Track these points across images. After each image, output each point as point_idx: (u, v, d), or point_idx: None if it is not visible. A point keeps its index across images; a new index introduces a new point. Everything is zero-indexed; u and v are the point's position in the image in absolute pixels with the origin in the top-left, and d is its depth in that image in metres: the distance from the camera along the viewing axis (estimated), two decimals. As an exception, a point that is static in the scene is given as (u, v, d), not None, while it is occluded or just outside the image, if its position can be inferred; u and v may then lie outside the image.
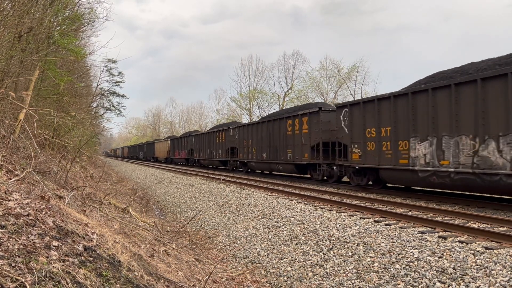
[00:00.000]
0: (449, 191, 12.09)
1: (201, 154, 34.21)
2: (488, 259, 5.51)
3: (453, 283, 5.14)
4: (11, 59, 10.50)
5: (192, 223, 12.16)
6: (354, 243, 7.30)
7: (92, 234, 4.33)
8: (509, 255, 5.52)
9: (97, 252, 3.87)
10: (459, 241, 6.46)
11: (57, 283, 2.88)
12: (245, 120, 54.98)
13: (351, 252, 7.02)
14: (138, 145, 75.19)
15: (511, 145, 8.74)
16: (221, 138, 29.11)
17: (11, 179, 5.71)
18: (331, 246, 7.52)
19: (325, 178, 16.88)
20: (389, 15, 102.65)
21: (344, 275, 6.38)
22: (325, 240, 7.88)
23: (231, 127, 27.70)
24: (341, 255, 7.04)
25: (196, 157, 35.80)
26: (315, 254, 7.45)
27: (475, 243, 6.29)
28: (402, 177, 12.10)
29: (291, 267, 7.33)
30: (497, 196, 10.87)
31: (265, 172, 24.80)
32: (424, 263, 5.85)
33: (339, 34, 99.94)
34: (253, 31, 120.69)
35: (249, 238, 9.56)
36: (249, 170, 25.16)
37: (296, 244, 8.23)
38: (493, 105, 9.21)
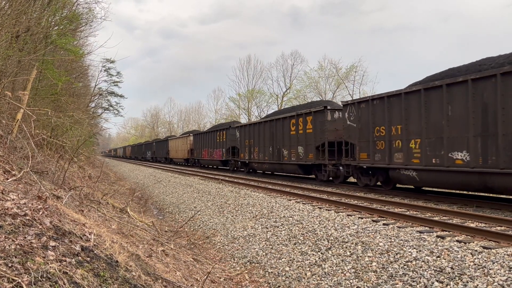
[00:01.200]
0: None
1: (255, 154, 22.20)
2: (486, 259, 5.52)
3: (451, 283, 5.14)
4: (9, 58, 10.48)
5: (190, 223, 12.15)
6: (352, 243, 7.30)
7: (89, 234, 4.32)
8: (507, 255, 5.53)
9: (95, 252, 3.86)
10: (457, 241, 6.46)
11: (54, 283, 2.87)
12: (243, 120, 54.44)
13: (349, 251, 7.02)
14: (145, 143, 65.13)
15: None
16: (302, 128, 17.15)
17: (8, 179, 5.69)
18: (329, 246, 7.52)
19: None
20: (388, 15, 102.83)
21: (343, 274, 6.38)
22: (324, 240, 7.88)
23: (329, 107, 15.84)
24: (339, 255, 7.03)
25: (244, 158, 23.86)
26: (313, 254, 7.45)
27: (473, 242, 6.30)
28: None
29: (290, 267, 7.32)
30: (495, 195, 10.90)
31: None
32: (422, 263, 5.85)
33: (338, 34, 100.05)
34: (252, 31, 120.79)
35: (247, 238, 9.55)
36: (377, 181, 13.55)
37: (295, 244, 8.22)
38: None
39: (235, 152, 26.03)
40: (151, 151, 56.01)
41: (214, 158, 29.91)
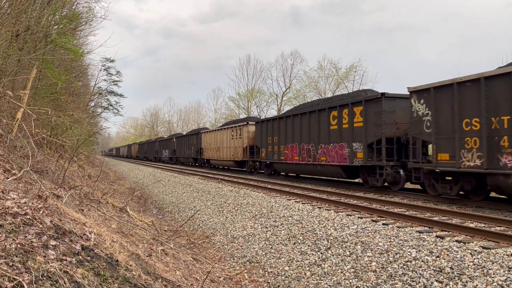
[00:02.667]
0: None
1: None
2: (485, 259, 5.53)
3: (451, 283, 5.15)
4: (9, 58, 10.49)
5: (190, 222, 12.16)
6: (352, 243, 7.31)
7: (89, 233, 4.32)
8: (506, 255, 5.54)
9: (95, 251, 3.87)
10: (456, 241, 6.47)
11: (54, 282, 2.87)
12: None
13: (349, 251, 7.03)
14: (159, 140, 52.05)
15: None
16: None
17: (8, 178, 5.69)
18: (329, 246, 7.53)
19: None
20: (388, 15, 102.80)
21: (342, 274, 6.39)
22: (323, 239, 7.89)
23: None
24: (339, 255, 7.04)
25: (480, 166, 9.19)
26: (313, 254, 7.46)
27: (473, 242, 6.31)
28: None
29: (289, 267, 7.33)
30: (495, 196, 10.91)
31: None
32: (422, 263, 5.86)
33: (338, 33, 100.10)
34: (252, 30, 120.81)
35: (247, 238, 9.56)
36: None
37: (294, 243, 8.23)
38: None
39: (404, 149, 12.59)
40: (170, 150, 43.81)
41: (321, 162, 15.86)
